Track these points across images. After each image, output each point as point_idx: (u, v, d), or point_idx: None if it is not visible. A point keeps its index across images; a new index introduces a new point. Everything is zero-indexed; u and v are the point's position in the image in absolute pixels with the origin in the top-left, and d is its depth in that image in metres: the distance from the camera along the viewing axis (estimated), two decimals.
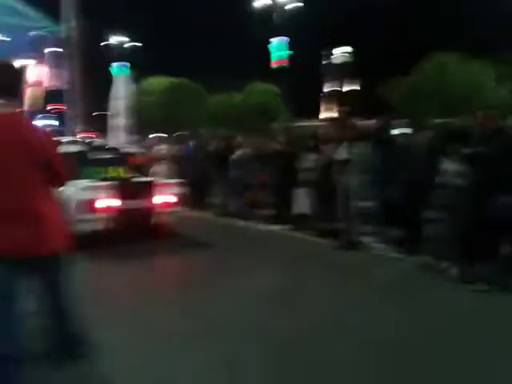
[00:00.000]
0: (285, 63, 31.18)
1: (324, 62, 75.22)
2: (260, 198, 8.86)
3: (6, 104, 2.55)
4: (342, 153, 6.44)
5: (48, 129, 29.64)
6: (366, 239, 6.78)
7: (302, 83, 57.91)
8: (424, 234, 6.19)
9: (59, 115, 16.53)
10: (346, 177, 6.39)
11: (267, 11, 33.00)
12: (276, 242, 7.13)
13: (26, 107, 18.66)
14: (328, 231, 7.19)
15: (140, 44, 41.62)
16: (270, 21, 32.48)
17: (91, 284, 4.68)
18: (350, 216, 6.43)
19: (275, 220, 8.16)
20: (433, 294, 4.71)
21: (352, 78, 72.79)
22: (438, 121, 6.99)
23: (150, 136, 14.47)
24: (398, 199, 6.39)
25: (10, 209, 2.47)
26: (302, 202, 7.48)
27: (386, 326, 3.89)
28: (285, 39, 31.16)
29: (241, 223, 8.42)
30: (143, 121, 31.02)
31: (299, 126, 22.11)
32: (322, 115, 68.08)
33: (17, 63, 16.89)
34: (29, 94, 17.58)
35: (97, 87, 11.99)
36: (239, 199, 8.86)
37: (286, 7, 31.32)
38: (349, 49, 72.73)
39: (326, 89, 75.33)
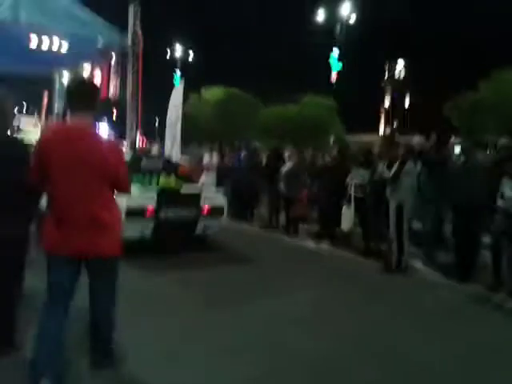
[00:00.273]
0: (336, 77, 30.70)
1: (386, 76, 73.80)
2: (307, 212, 8.73)
3: (84, 117, 2.82)
4: (392, 171, 6.20)
5: (111, 136, 30.84)
6: (414, 262, 6.50)
7: (361, 97, 57.15)
8: (478, 260, 5.86)
9: (121, 123, 17.37)
10: (398, 196, 6.14)
11: (327, 23, 32.78)
12: (319, 260, 6.94)
13: None
14: (375, 251, 6.97)
15: (197, 54, 42.58)
16: (330, 33, 32.19)
17: (126, 290, 4.70)
18: (399, 237, 6.16)
19: (321, 236, 7.99)
20: (484, 329, 4.40)
21: (413, 93, 70.87)
22: (503, 141, 6.55)
23: (201, 146, 14.65)
24: (452, 222, 6.09)
25: (80, 215, 2.74)
26: (350, 219, 7.27)
27: (427, 359, 3.66)
28: (337, 52, 30.72)
29: (286, 238, 8.31)
30: (201, 130, 32.02)
31: (353, 141, 21.80)
32: (382, 129, 66.69)
33: (83, 72, 17.65)
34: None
35: (158, 96, 12.49)
36: (286, 213, 8.75)
37: (346, 20, 30.92)
38: (410, 63, 70.89)
39: (387, 103, 73.79)
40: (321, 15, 33.44)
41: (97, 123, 38.78)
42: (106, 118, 45.61)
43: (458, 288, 5.56)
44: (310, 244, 7.91)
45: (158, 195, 6.26)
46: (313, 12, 33.09)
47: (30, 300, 3.36)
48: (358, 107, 50.45)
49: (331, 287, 5.51)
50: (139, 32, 15.53)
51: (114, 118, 40.75)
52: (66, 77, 19.31)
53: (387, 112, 72.03)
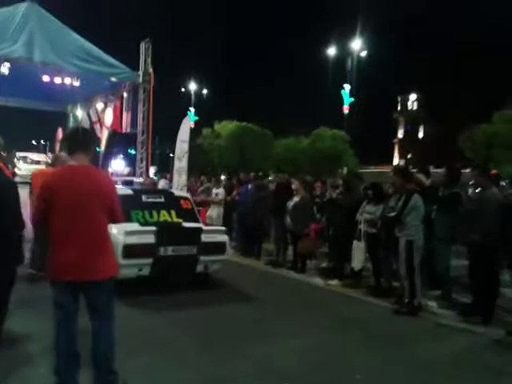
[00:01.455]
0: (348, 111, 30.72)
1: (399, 109, 73.91)
2: (315, 248, 8.39)
3: (83, 158, 3.29)
4: (398, 206, 5.89)
5: (123, 170, 31.04)
6: (429, 303, 6.08)
7: (374, 129, 57.21)
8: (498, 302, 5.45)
9: (132, 157, 17.59)
10: (406, 232, 5.80)
11: (338, 57, 33.13)
12: (325, 300, 6.56)
13: (103, 148, 19.61)
14: (387, 289, 6.58)
15: (210, 89, 43.31)
16: (341, 67, 32.47)
17: (124, 329, 4.48)
18: (411, 276, 5.78)
19: (329, 274, 7.62)
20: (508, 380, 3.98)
21: (426, 125, 70.73)
22: None
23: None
24: (468, 261, 5.70)
25: (80, 241, 3.12)
26: (361, 255, 6.89)
27: None
28: (348, 87, 30.85)
29: (292, 275, 7.95)
30: (215, 163, 32.24)
31: (368, 172, 21.50)
32: (396, 161, 66.31)
33: (96, 106, 17.88)
34: (105, 136, 18.72)
35: (173, 131, 12.57)
36: (293, 248, 8.40)
37: (357, 54, 31.20)
38: (421, 96, 71.05)
39: (400, 135, 73.64)
40: (332, 50, 33.87)
41: (112, 159, 39.43)
42: (121, 154, 46.30)
43: (476, 332, 5.13)
44: (318, 281, 7.54)
45: (158, 231, 6.01)
46: (324, 47, 33.53)
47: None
48: (371, 140, 50.38)
49: (333, 333, 5.11)
50: (150, 69, 15.75)
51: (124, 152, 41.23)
52: (79, 113, 19.64)
53: (400, 144, 71.85)
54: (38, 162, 18.85)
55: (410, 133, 71.75)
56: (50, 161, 7.07)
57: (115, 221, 3.44)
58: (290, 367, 4.09)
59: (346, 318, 5.65)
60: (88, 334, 3.29)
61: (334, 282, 7.32)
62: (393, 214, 5.92)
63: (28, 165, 18.35)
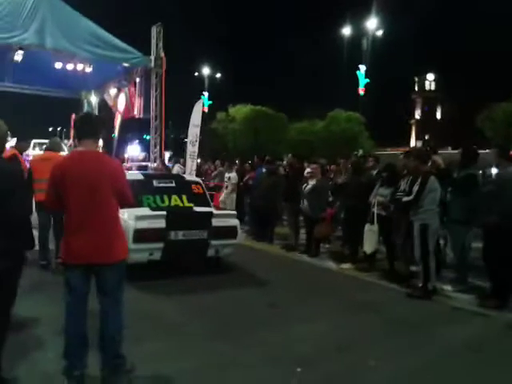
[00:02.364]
0: (363, 92, 30.21)
1: (416, 89, 72.54)
2: (329, 232, 8.29)
3: (92, 143, 3.35)
4: (415, 190, 5.75)
5: (139, 155, 31.18)
6: (444, 287, 5.98)
7: (390, 111, 56.32)
8: None
9: (147, 142, 17.69)
10: (421, 216, 5.67)
11: (353, 37, 32.51)
12: (339, 284, 6.49)
13: (116, 134, 19.71)
14: (401, 273, 6.48)
15: (223, 73, 43.03)
16: (356, 47, 31.86)
17: (135, 313, 4.50)
18: (425, 259, 5.67)
19: (343, 258, 7.55)
20: None
21: (444, 105, 69.36)
22: None
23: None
24: (483, 244, 5.56)
25: (93, 224, 3.19)
26: (373, 239, 6.78)
27: None
28: (363, 68, 30.27)
29: (305, 259, 7.88)
30: (230, 147, 32.16)
31: (382, 155, 21.16)
32: (413, 143, 65.36)
33: (109, 92, 17.89)
34: (119, 121, 18.81)
35: (187, 116, 12.47)
36: (307, 232, 8.32)
37: (373, 34, 30.54)
38: (439, 76, 69.51)
39: (417, 116, 72.42)
40: (347, 30, 33.23)
41: (127, 145, 39.43)
42: (137, 140, 46.47)
43: (492, 316, 5.02)
44: (331, 265, 7.47)
45: (168, 216, 5.99)
46: (339, 27, 32.91)
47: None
48: (388, 121, 49.66)
49: (347, 317, 5.03)
50: (162, 53, 15.64)
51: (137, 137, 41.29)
52: (93, 100, 19.70)
53: (418, 125, 70.68)
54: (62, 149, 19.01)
55: (428, 113, 70.49)
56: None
57: (125, 204, 3.50)
58: (303, 352, 4.04)
59: (360, 301, 5.59)
60: (97, 317, 3.32)
61: (347, 265, 7.24)
62: (409, 198, 5.77)
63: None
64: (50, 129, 50.83)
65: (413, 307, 5.39)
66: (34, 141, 20.85)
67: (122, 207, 3.50)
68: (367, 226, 6.73)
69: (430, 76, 71.65)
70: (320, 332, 4.53)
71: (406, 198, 5.86)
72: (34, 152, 20.35)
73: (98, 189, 3.21)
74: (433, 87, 72.16)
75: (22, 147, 7.33)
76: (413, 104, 72.44)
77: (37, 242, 6.60)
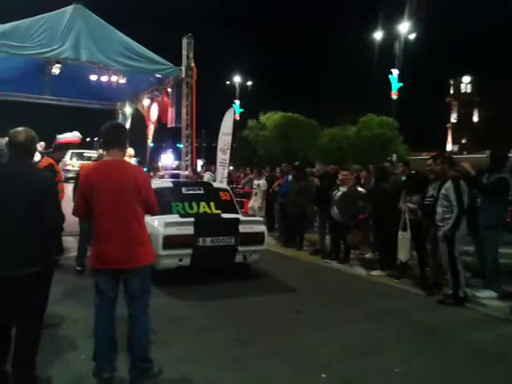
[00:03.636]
0: (397, 96, 29.70)
1: (452, 92, 70.88)
2: (360, 239, 8.19)
3: (117, 153, 3.46)
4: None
5: (172, 163, 31.73)
6: (477, 293, 5.83)
7: (425, 114, 55.21)
8: None
9: (180, 151, 18.10)
10: (450, 221, 5.56)
11: (385, 41, 32.12)
12: (369, 291, 6.40)
13: (149, 143, 20.18)
14: (433, 280, 6.34)
15: (255, 81, 43.28)
16: (389, 51, 31.47)
17: (163, 318, 4.62)
18: (454, 265, 5.55)
19: (374, 265, 7.46)
20: None
21: (481, 108, 67.46)
22: None
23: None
24: None
25: (118, 232, 3.30)
26: (407, 246, 6.66)
27: None
28: (396, 72, 29.78)
29: (335, 265, 7.83)
30: (261, 155, 32.31)
31: (416, 160, 20.78)
32: (449, 147, 63.84)
33: (143, 103, 18.34)
34: (152, 131, 19.34)
35: (219, 124, 12.70)
36: (336, 239, 8.27)
37: (405, 37, 30.09)
38: (475, 78, 67.62)
39: (453, 119, 70.69)
40: (379, 34, 32.87)
41: (161, 153, 40.16)
42: (170, 148, 47.32)
43: None
44: (361, 272, 7.40)
45: (196, 222, 6.10)
46: (371, 31, 32.60)
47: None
48: (422, 126, 48.67)
49: (375, 324, 4.98)
50: (193, 64, 15.94)
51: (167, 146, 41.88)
52: (127, 110, 20.24)
53: (454, 129, 68.96)
54: (89, 158, 19.62)
55: (464, 117, 68.69)
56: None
57: (151, 212, 3.57)
58: (328, 358, 4.03)
59: (388, 308, 5.51)
60: (127, 321, 3.43)
61: (377, 272, 7.16)
62: (455, 214, 5.52)
63: (84, 161, 19.12)
64: (87, 139, 52.38)
65: (442, 314, 5.29)
66: (70, 151, 21.56)
67: (148, 214, 3.59)
68: (400, 234, 6.61)
69: (466, 78, 69.88)
70: (346, 338, 4.50)
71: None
72: (71, 162, 21.10)
73: (123, 197, 3.31)
74: (469, 90, 70.31)
75: (58, 157, 7.61)
76: (448, 107, 70.79)
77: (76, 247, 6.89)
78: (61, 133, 8.47)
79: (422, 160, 17.77)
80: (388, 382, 3.66)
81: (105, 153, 3.67)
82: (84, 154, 22.79)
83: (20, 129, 3.17)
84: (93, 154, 21.36)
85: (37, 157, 6.80)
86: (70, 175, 15.58)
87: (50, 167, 6.72)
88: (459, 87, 70.96)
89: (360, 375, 3.74)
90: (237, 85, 41.41)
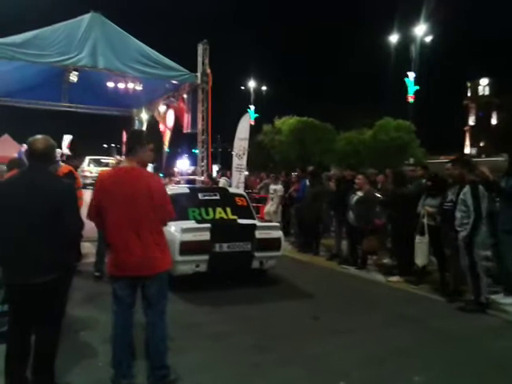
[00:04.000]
0: (413, 99, 29.45)
1: (469, 94, 69.96)
2: (377, 244, 8.09)
3: (131, 160, 3.48)
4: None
5: (188, 169, 31.92)
6: (499, 299, 5.70)
7: (442, 117, 54.58)
8: None
9: (196, 156, 18.20)
10: (468, 226, 5.45)
11: (401, 44, 31.89)
12: (387, 297, 6.32)
13: (165, 149, 20.35)
14: (453, 288, 6.22)
15: (269, 86, 43.33)
16: (405, 54, 31.24)
17: (180, 323, 4.63)
18: (473, 271, 5.44)
19: (392, 271, 7.35)
20: None
21: (499, 111, 66.42)
22: None
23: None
24: None
25: (134, 239, 3.29)
26: (425, 251, 6.55)
27: None
28: (412, 75, 29.54)
29: (353, 271, 7.75)
30: (276, 160, 32.30)
31: (434, 163, 20.53)
32: (467, 150, 62.97)
33: (159, 109, 18.49)
34: (168, 137, 19.54)
35: (234, 129, 12.76)
36: (352, 244, 8.18)
37: (421, 39, 29.84)
38: (494, 80, 66.64)
39: (471, 122, 69.73)
40: (394, 37, 32.66)
41: (177, 159, 40.42)
42: (186, 154, 47.62)
43: None
44: (379, 278, 7.31)
45: (213, 228, 6.10)
46: (386, 34, 32.41)
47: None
48: (440, 129, 48.11)
49: (393, 330, 4.90)
50: (208, 70, 16.03)
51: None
52: (144, 117, 20.42)
53: (472, 132, 67.99)
54: (107, 165, 19.85)
55: (482, 120, 67.71)
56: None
57: (166, 218, 3.54)
58: (346, 365, 3.98)
59: (407, 315, 5.43)
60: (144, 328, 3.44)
61: (395, 278, 7.06)
62: (472, 219, 5.47)
63: (101, 167, 19.36)
64: (105, 145, 52.98)
65: (463, 321, 5.18)
66: (88, 157, 21.83)
67: (164, 222, 3.55)
68: (417, 238, 6.51)
69: (484, 81, 68.91)
70: (365, 345, 4.44)
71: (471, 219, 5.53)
72: (88, 168, 21.36)
73: (137, 204, 3.31)
74: (487, 92, 69.31)
75: (76, 163, 7.69)
76: (466, 110, 69.89)
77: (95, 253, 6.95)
78: (80, 139, 8.59)
79: (440, 163, 17.55)
80: None
81: (123, 159, 3.74)
82: (101, 161, 23.09)
83: (38, 137, 3.20)
84: (110, 160, 21.62)
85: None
86: (88, 181, 15.77)
87: (70, 174, 6.80)
88: (477, 89, 70.01)
89: (379, 383, 3.68)
90: (252, 90, 41.53)
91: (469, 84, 69.71)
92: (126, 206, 3.30)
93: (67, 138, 16.56)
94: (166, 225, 3.54)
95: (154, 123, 19.20)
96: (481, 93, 69.62)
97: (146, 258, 3.32)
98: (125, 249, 3.30)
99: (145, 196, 3.33)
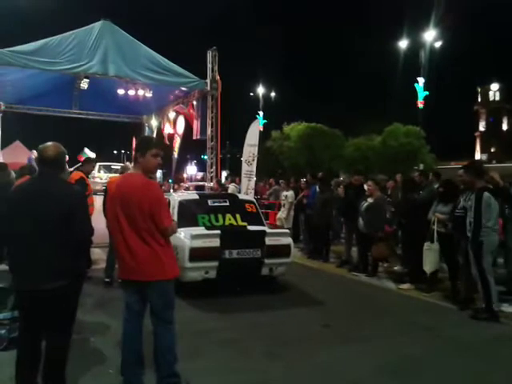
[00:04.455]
0: (423, 105, 29.29)
1: (479, 100, 69.51)
2: (387, 251, 8.02)
3: (134, 168, 3.55)
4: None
5: (197, 175, 32.03)
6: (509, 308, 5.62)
7: (452, 123, 54.29)
8: None
9: (205, 162, 18.26)
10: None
11: (410, 50, 31.80)
12: (398, 305, 6.26)
13: (175, 155, 20.45)
14: (465, 296, 6.14)
15: (278, 92, 43.38)
16: (414, 60, 31.14)
17: (189, 331, 4.61)
18: (483, 278, 5.36)
19: (403, 278, 7.28)
20: None
21: (510, 116, 65.92)
22: None
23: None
24: None
25: (131, 243, 3.30)
26: (434, 258, 6.49)
27: None
28: (422, 81, 29.40)
29: (363, 278, 7.69)
30: (285, 166, 32.29)
31: (444, 169, 20.40)
32: (478, 156, 62.52)
33: (168, 115, 18.60)
34: (178, 143, 19.69)
35: (243, 136, 12.79)
36: (362, 250, 8.12)
37: (430, 45, 29.74)
38: (504, 85, 66.13)
39: (482, 128, 69.23)
40: (404, 43, 32.56)
41: (187, 165, 40.56)
42: (195, 160, 47.81)
43: None
44: (390, 285, 7.24)
45: (222, 235, 6.09)
46: (395, 40, 32.35)
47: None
48: (450, 134, 47.81)
49: (404, 338, 4.85)
50: (217, 77, 16.10)
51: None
52: (153, 123, 20.54)
53: (482, 138, 67.47)
54: (117, 171, 19.99)
55: (493, 125, 67.18)
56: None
57: (158, 227, 3.34)
58: (357, 374, 3.93)
59: (418, 323, 5.36)
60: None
61: (406, 285, 6.99)
62: (472, 227, 5.45)
63: (111, 173, 19.50)
64: (115, 152, 53.37)
65: (475, 329, 5.11)
66: (98, 164, 21.99)
67: (158, 229, 3.35)
68: (426, 245, 6.46)
69: (495, 86, 68.40)
70: (376, 354, 4.38)
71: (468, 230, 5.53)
72: (99, 174, 21.51)
73: (131, 210, 3.31)
74: (497, 97, 68.80)
75: (87, 170, 7.74)
76: (476, 116, 69.42)
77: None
78: (89, 146, 8.66)
79: (451, 169, 17.42)
80: None
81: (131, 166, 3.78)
82: (112, 167, 23.25)
83: (49, 144, 3.21)
84: (118, 166, 21.75)
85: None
86: (98, 187, 15.86)
87: (81, 180, 6.84)
88: (487, 95, 69.51)
89: None
90: (260, 96, 41.60)
91: (479, 89, 69.28)
92: (125, 212, 3.33)
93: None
94: (165, 233, 3.39)
95: (159, 131, 19.33)
96: (491, 98, 69.11)
97: (143, 264, 3.31)
98: (125, 252, 3.34)
99: (137, 204, 3.32)
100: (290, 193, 10.87)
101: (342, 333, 5.01)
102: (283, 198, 11.00)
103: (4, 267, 3.66)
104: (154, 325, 3.42)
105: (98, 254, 8.03)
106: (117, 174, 15.80)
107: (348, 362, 4.18)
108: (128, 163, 7.42)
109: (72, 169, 8.03)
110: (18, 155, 18.20)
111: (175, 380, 3.40)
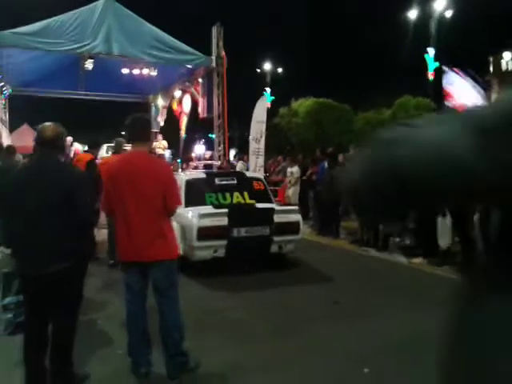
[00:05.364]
0: (433, 77, 28.69)
1: (491, 70, 68.02)
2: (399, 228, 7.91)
3: (142, 145, 3.43)
4: None
5: (205, 154, 31.94)
6: None
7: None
8: None
9: (213, 141, 18.04)
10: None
11: (420, 21, 31.03)
12: (410, 279, 6.15)
13: (182, 134, 20.33)
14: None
15: (285, 67, 42.77)
16: (424, 30, 30.40)
17: (197, 310, 4.58)
18: None
19: (414, 252, 7.19)
20: None
21: None
22: None
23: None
24: None
25: (135, 224, 3.23)
26: (447, 232, 6.40)
27: None
28: (432, 52, 28.74)
29: (374, 253, 7.61)
30: (294, 142, 32.01)
31: None
32: None
33: (174, 94, 18.39)
34: (185, 122, 19.50)
35: (250, 112, 12.55)
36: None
37: (441, 14, 28.95)
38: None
39: (494, 98, 67.92)
40: (413, 13, 31.76)
41: (194, 144, 40.42)
42: (203, 139, 47.55)
43: None
44: (401, 259, 7.16)
45: (230, 213, 6.02)
46: (404, 10, 31.56)
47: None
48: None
49: (417, 314, 4.71)
50: (223, 53, 15.80)
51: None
52: (160, 103, 20.36)
53: None
54: (124, 151, 19.96)
55: None
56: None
57: (170, 206, 3.36)
58: (369, 351, 3.86)
59: (431, 297, 5.24)
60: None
61: (418, 259, 6.91)
62: None
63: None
64: (122, 133, 53.35)
65: None
66: (106, 145, 21.95)
67: (169, 207, 3.36)
68: (439, 220, 6.36)
69: (507, 55, 66.74)
70: (387, 329, 4.31)
71: None
72: (107, 155, 21.50)
73: (142, 189, 3.25)
74: (510, 67, 67.19)
75: (94, 152, 7.65)
76: (488, 85, 68.01)
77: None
78: (96, 127, 8.59)
79: None
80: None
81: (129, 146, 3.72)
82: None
83: (48, 124, 3.13)
84: (127, 147, 21.69)
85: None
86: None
87: (92, 162, 6.72)
88: (499, 64, 67.90)
89: (408, 369, 3.56)
90: (267, 72, 41.05)
91: (491, 59, 67.66)
92: (131, 191, 3.25)
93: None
94: (172, 213, 3.41)
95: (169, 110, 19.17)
96: (504, 68, 67.52)
97: (147, 245, 3.25)
98: (127, 234, 3.27)
99: (147, 182, 3.27)
100: (295, 168, 10.74)
101: (353, 309, 4.94)
102: (289, 174, 10.88)
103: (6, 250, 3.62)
104: (159, 304, 3.38)
105: (105, 235, 8.02)
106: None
107: (361, 340, 4.10)
108: (121, 139, 7.29)
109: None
110: (27, 138, 18.19)
111: (183, 359, 3.38)
